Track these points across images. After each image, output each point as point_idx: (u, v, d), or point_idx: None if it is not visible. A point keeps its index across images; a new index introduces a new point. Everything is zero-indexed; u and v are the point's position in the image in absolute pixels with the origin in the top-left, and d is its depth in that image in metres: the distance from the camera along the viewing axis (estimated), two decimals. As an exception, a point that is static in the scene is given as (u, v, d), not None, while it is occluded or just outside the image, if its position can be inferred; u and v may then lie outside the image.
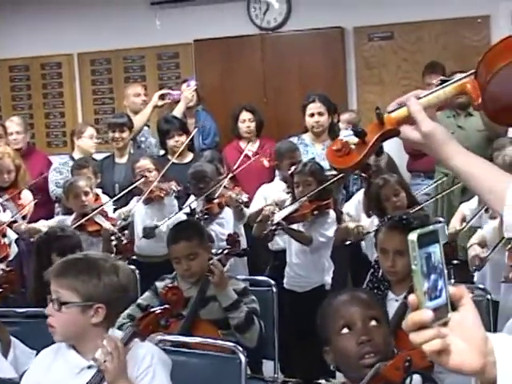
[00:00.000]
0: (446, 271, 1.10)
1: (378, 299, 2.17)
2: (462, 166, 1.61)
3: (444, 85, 1.68)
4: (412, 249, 1.08)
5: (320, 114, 5.50)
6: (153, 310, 2.53)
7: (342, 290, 2.25)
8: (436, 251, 1.09)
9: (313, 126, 5.51)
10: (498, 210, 1.57)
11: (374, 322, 2.11)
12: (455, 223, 4.38)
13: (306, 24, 7.33)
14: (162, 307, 2.56)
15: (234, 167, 5.29)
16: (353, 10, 7.25)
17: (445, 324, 1.09)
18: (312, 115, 5.51)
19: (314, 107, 5.51)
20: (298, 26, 7.41)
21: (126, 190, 5.07)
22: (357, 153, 1.70)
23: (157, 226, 4.79)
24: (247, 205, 4.90)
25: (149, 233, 4.82)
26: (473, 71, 1.64)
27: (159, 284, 3.54)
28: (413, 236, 1.08)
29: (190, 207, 4.72)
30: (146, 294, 3.57)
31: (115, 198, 5.13)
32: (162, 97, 6.32)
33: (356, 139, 1.71)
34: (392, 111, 1.70)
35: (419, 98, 1.68)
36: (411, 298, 1.09)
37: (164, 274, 3.65)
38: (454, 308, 1.11)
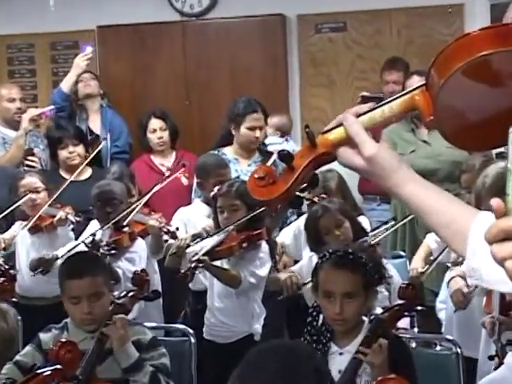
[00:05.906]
0: None
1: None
2: (413, 196, 1.61)
3: (390, 99, 1.70)
4: (510, 142, 1.12)
5: (261, 128, 5.36)
6: (40, 371, 2.48)
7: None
8: None
9: (252, 141, 5.38)
10: (455, 247, 1.59)
11: None
12: (418, 262, 4.35)
13: (238, 10, 7.39)
14: (51, 368, 2.51)
15: (150, 190, 5.14)
16: (297, -6, 7.34)
17: None
18: (253, 129, 5.33)
19: (257, 119, 5.34)
20: (228, 11, 7.46)
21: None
22: (283, 182, 1.70)
23: (57, 258, 4.56)
24: (174, 236, 4.75)
25: (44, 266, 4.65)
26: (423, 83, 1.65)
27: (44, 336, 3.45)
28: None
29: (94, 237, 4.58)
30: (27, 349, 3.43)
31: None
32: (33, 120, 6.09)
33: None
34: (327, 131, 1.71)
35: (359, 116, 1.68)
36: (496, 201, 1.11)
37: (54, 321, 3.56)
38: None
